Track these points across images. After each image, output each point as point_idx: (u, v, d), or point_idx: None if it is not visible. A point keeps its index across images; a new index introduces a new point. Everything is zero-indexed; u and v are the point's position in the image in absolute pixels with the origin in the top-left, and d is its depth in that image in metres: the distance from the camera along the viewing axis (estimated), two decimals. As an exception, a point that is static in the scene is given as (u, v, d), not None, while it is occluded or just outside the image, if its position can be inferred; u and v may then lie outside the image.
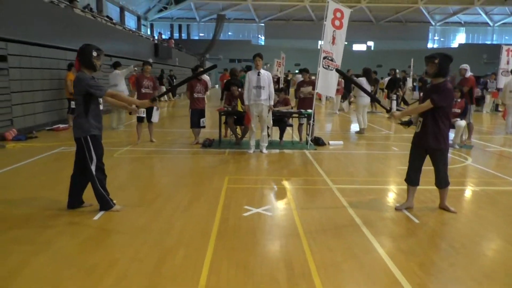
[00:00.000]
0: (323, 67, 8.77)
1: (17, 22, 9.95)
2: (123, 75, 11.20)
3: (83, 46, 4.45)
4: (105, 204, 4.58)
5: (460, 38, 55.74)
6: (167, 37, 41.38)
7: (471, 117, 9.65)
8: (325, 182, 6.04)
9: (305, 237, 3.96)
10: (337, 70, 7.45)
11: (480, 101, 16.88)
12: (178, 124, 12.82)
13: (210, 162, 7.48)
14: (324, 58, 8.75)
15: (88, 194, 4.62)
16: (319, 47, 9.03)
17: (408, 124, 5.00)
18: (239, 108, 8.45)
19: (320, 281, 3.12)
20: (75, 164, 4.62)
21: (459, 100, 9.12)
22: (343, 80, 15.48)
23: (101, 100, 4.57)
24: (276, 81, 15.08)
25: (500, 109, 17.24)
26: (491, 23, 53.72)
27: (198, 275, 3.18)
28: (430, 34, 55.47)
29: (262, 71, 7.85)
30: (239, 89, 9.08)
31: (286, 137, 9.58)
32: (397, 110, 9.24)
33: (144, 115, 8.94)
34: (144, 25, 43.92)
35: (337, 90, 14.48)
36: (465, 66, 9.54)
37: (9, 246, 3.66)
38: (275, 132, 9.39)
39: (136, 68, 11.24)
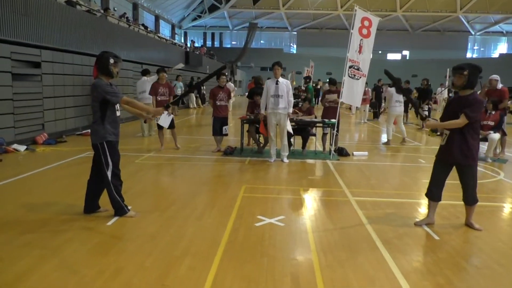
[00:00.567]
0: (349, 76, 8.59)
1: (51, 29, 10.31)
2: (152, 82, 11.38)
3: (101, 54, 4.53)
4: (119, 210, 4.62)
5: (501, 48, 53.60)
6: (199, 45, 42.03)
7: (505, 129, 9.20)
8: (344, 194, 5.87)
9: (315, 251, 3.82)
10: (385, 72, 6.35)
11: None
12: (204, 131, 12.90)
13: (229, 170, 7.44)
14: (350, 67, 8.57)
15: (105, 199, 4.67)
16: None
17: (440, 133, 4.85)
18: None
19: (325, 299, 2.99)
20: (92, 169, 4.71)
21: (493, 112, 8.73)
22: (369, 90, 15.09)
23: (118, 106, 4.63)
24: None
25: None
26: (534, 33, 51.48)
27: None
28: (469, 44, 53.65)
29: (280, 79, 7.79)
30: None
31: (310, 147, 9.42)
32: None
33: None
34: (177, 34, 44.79)
35: (364, 100, 14.19)
36: (496, 76, 9.12)
37: (20, 250, 3.71)
38: (298, 141, 9.26)
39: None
